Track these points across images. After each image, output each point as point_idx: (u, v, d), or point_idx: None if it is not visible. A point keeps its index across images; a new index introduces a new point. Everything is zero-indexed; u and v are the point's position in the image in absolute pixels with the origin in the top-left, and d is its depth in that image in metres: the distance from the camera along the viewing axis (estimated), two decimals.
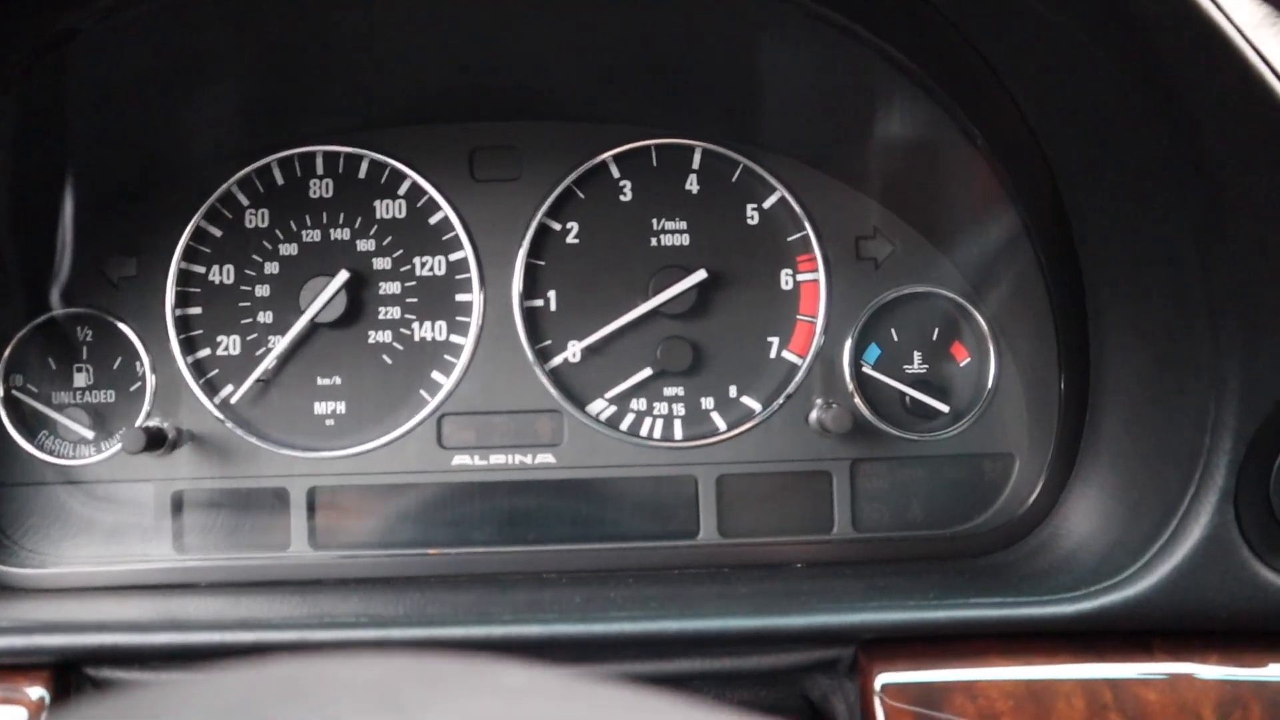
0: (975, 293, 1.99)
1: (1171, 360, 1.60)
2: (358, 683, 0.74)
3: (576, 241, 1.99)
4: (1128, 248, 1.64)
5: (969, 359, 2.01)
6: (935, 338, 2.01)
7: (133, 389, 1.99)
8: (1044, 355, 1.89)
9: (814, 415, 1.96)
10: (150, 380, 1.97)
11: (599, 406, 1.99)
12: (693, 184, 2.00)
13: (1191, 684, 1.59)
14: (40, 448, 1.97)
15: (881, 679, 1.60)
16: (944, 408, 1.99)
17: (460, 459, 1.98)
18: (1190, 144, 1.33)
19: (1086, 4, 1.06)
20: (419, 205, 2.00)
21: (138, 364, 1.98)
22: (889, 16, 1.50)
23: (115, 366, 1.99)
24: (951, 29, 1.45)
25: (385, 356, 1.99)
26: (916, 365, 2.01)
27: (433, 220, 1.99)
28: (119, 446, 1.94)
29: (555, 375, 1.99)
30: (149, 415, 1.97)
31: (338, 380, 1.99)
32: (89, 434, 1.97)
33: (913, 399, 1.99)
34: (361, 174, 2.00)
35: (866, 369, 2.00)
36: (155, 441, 1.89)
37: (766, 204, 2.00)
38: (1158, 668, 1.61)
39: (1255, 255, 1.40)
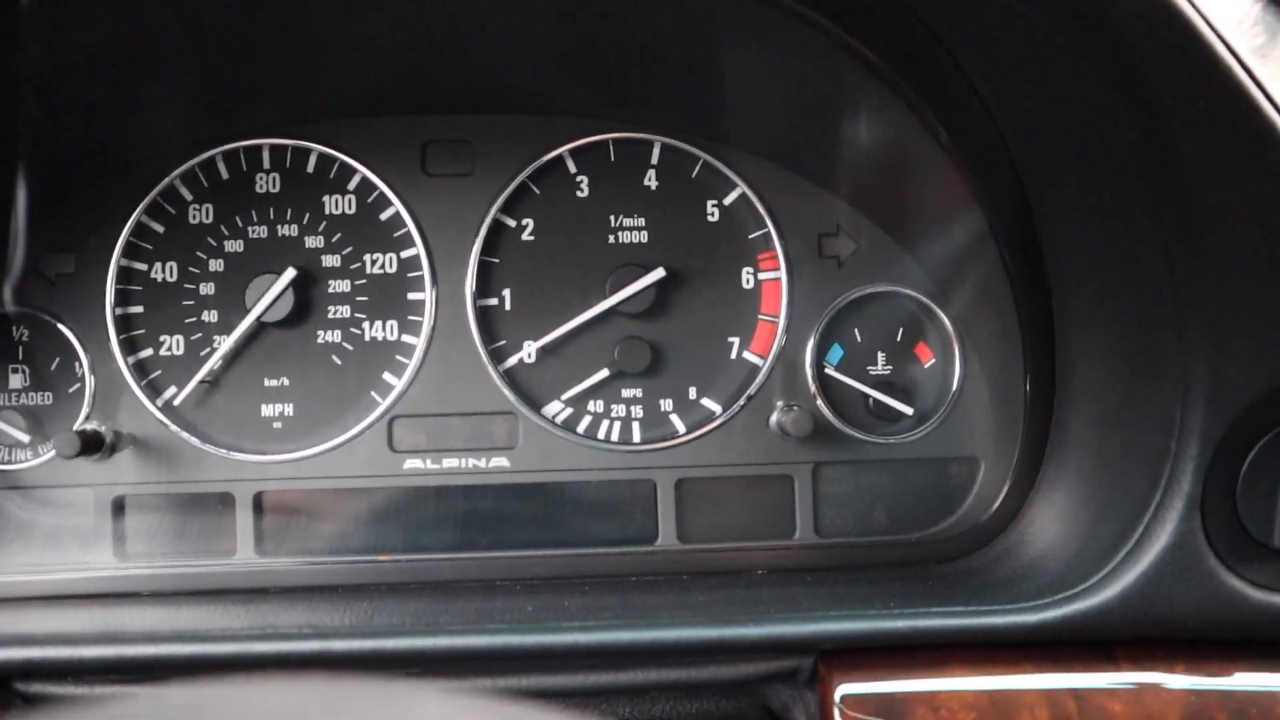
0: (940, 293, 1.95)
1: (1138, 364, 1.57)
2: (263, 711, 0.70)
3: (532, 239, 1.94)
4: (1094, 250, 1.60)
5: (934, 360, 1.97)
6: (899, 338, 1.97)
7: (71, 390, 1.92)
8: (1009, 357, 1.86)
9: (774, 418, 1.92)
10: (89, 381, 1.91)
11: (555, 408, 1.94)
12: (651, 180, 1.95)
13: (1157, 694, 1.56)
14: None
15: (841, 690, 1.56)
16: (908, 410, 1.95)
17: (412, 463, 1.92)
18: (1162, 147, 1.29)
19: (1062, 5, 1.02)
20: (369, 201, 1.94)
21: (76, 364, 1.92)
22: (857, 11, 1.45)
23: (53, 367, 1.92)
24: (920, 25, 1.41)
25: (335, 357, 1.93)
26: (880, 366, 1.97)
27: (383, 216, 1.93)
28: (54, 450, 1.86)
29: (510, 376, 1.94)
30: (88, 418, 1.90)
31: (285, 381, 1.93)
32: (24, 437, 1.91)
33: (876, 401, 1.95)
34: (310, 168, 1.94)
35: (829, 370, 1.95)
36: (91, 445, 1.82)
37: (727, 200, 1.95)
38: (1123, 677, 1.58)
39: (1223, 260, 1.37)
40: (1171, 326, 1.45)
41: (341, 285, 1.93)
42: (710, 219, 1.95)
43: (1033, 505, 1.83)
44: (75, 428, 1.86)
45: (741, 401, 1.94)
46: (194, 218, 1.93)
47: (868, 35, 1.48)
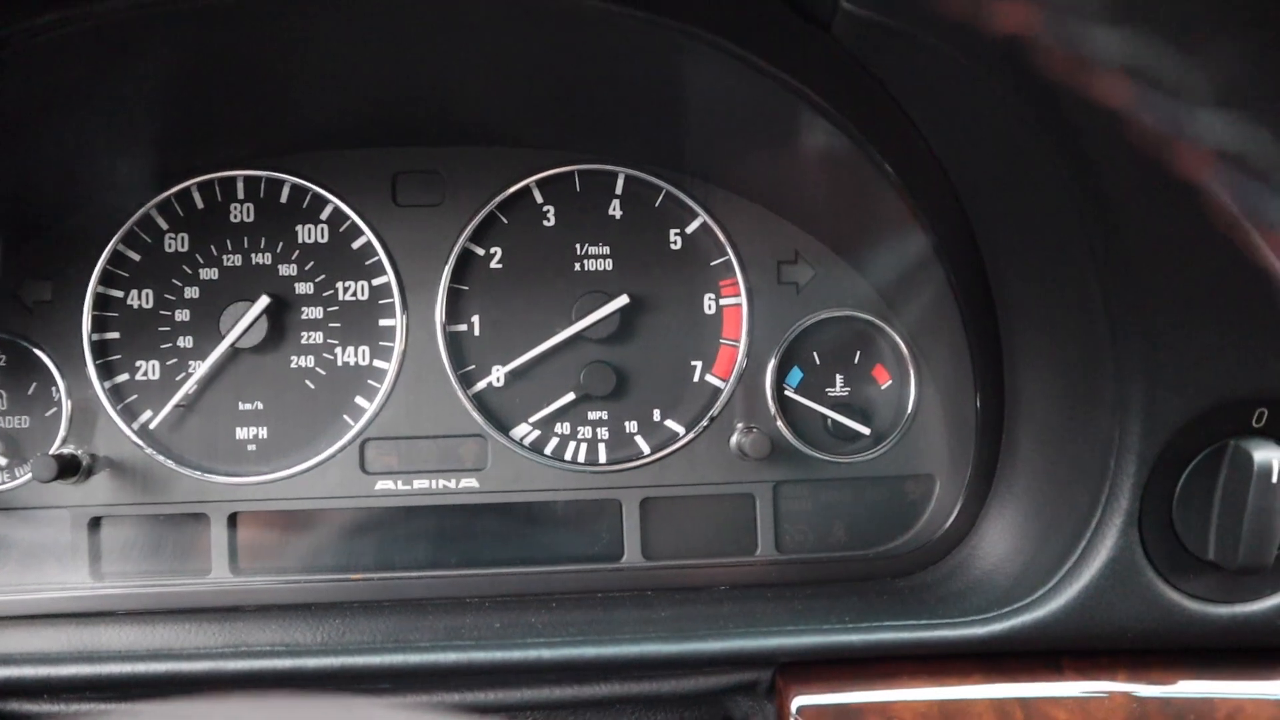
0: (894, 317, 2.01)
1: (1078, 387, 1.64)
2: None
3: (500, 266, 2.00)
4: (1034, 279, 1.67)
5: (890, 382, 2.03)
6: (856, 361, 2.03)
7: (48, 414, 1.96)
8: (961, 379, 1.92)
9: (734, 440, 1.98)
10: (66, 405, 1.95)
11: (523, 431, 1.99)
12: (616, 209, 2.01)
13: (1100, 703, 1.63)
14: None
15: (797, 701, 1.62)
16: (865, 430, 2.01)
17: (383, 484, 1.97)
18: (1089, 179, 1.36)
19: (979, 43, 1.09)
20: (341, 230, 1.99)
21: (53, 389, 1.95)
22: (789, 48, 1.52)
23: (30, 392, 1.96)
24: (852, 61, 1.47)
25: (308, 381, 1.98)
26: (838, 388, 2.03)
27: (355, 245, 1.99)
28: (31, 473, 1.90)
29: (479, 400, 1.99)
30: (64, 441, 1.94)
31: (259, 405, 1.98)
32: (1, 460, 1.94)
33: (835, 421, 2.01)
34: (283, 198, 1.98)
35: (789, 392, 2.01)
36: (68, 469, 1.86)
37: (689, 229, 2.01)
38: (1068, 686, 1.64)
39: (1154, 287, 1.43)
40: (1108, 352, 1.52)
41: (314, 312, 1.98)
42: (673, 247, 2.01)
43: (984, 521, 1.90)
44: (52, 451, 1.90)
45: (704, 423, 2.00)
46: (170, 246, 1.97)
47: (803, 72, 1.55)
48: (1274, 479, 1.50)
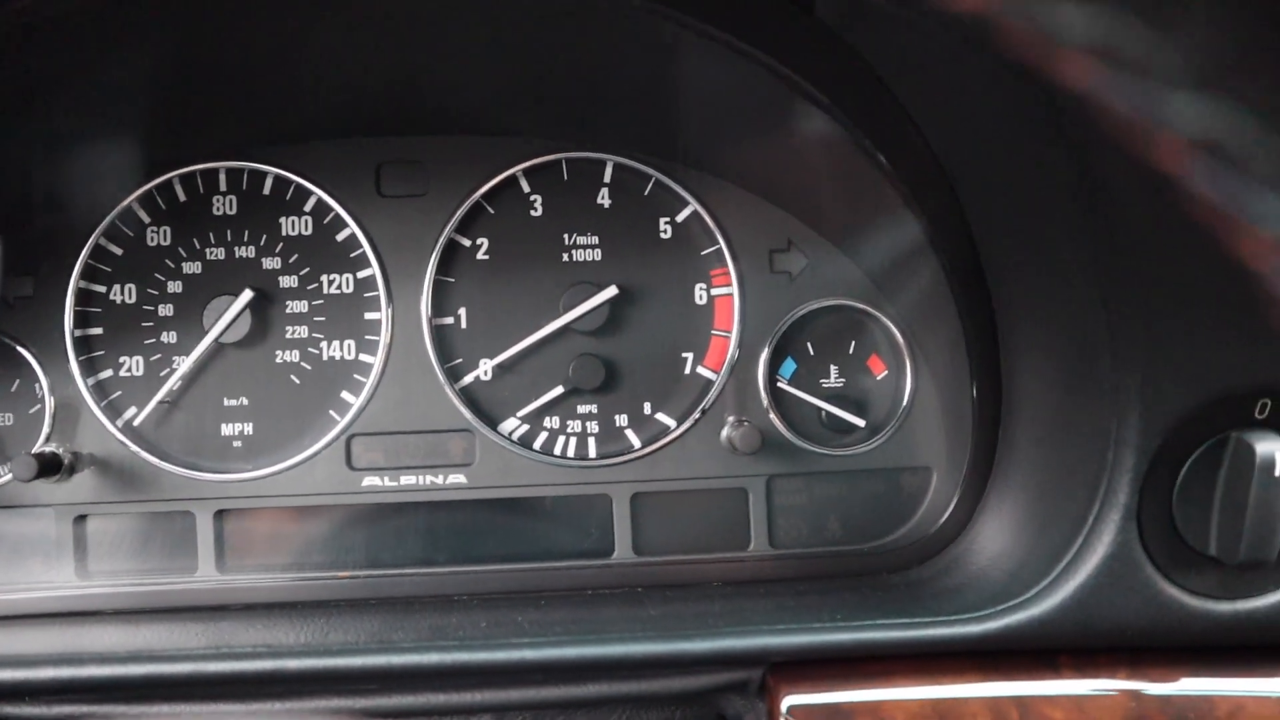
0: (890, 306, 1.97)
1: (1075, 379, 1.60)
2: None
3: (487, 258, 1.96)
4: (1030, 264, 1.63)
5: (885, 373, 2.00)
6: (851, 351, 2.00)
7: (31, 411, 1.94)
8: (958, 370, 1.88)
9: (724, 433, 1.94)
10: (49, 402, 1.92)
11: (511, 425, 1.96)
12: (604, 198, 1.97)
13: (1098, 701, 1.59)
14: None
15: (788, 700, 1.59)
16: (860, 422, 1.97)
17: (370, 480, 1.94)
18: (1085, 169, 1.32)
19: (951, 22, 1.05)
20: (325, 222, 1.95)
21: (36, 386, 1.93)
22: (773, 30, 1.48)
23: (13, 389, 1.94)
24: (838, 44, 1.43)
25: (293, 376, 1.95)
26: (833, 379, 2.00)
27: (339, 237, 1.95)
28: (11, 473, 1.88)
29: (466, 394, 1.96)
30: (47, 439, 1.92)
31: (245, 401, 1.95)
32: None
33: (829, 414, 1.97)
34: (266, 190, 1.95)
35: (782, 384, 1.98)
36: (50, 468, 1.84)
37: (679, 218, 1.97)
38: (1064, 685, 1.61)
39: (1150, 282, 1.40)
40: (1104, 344, 1.48)
41: (299, 306, 1.95)
42: (663, 236, 1.98)
43: (981, 515, 1.86)
44: (34, 450, 1.87)
45: (696, 415, 1.96)
46: (152, 240, 1.95)
47: (799, 64, 1.51)
48: (1277, 472, 1.46)
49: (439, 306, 1.95)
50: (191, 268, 1.95)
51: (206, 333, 1.90)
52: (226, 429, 1.95)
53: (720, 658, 1.62)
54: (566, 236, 1.96)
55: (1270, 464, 1.46)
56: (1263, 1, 0.46)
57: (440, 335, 1.95)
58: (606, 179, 1.97)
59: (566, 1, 1.54)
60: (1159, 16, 0.47)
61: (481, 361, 1.96)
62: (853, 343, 2.00)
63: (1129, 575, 1.55)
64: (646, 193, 1.97)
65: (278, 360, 1.95)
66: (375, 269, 1.94)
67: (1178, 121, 0.48)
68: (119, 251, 1.94)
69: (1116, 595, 1.55)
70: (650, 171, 1.96)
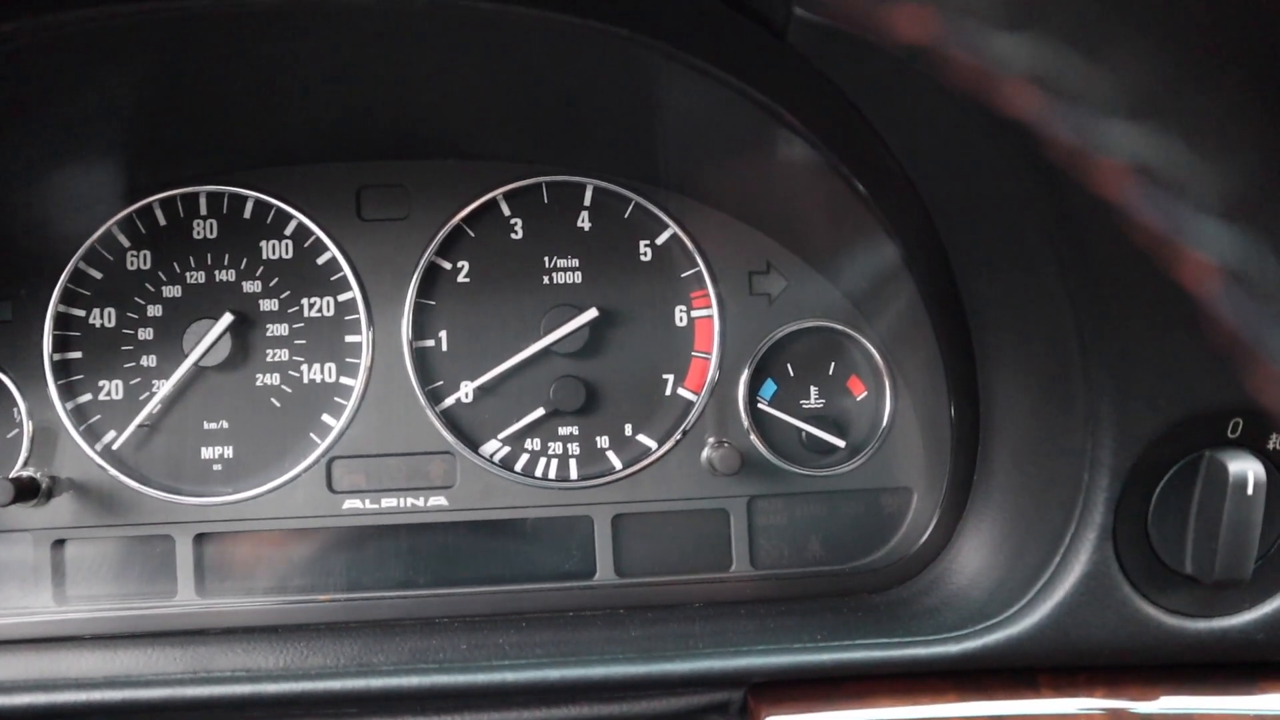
0: (868, 328, 1.99)
1: (1050, 400, 1.61)
2: None
3: (467, 280, 1.97)
4: (1004, 286, 1.65)
5: (865, 393, 2.01)
6: (831, 372, 2.01)
7: (9, 436, 1.93)
8: (936, 390, 1.89)
9: (704, 454, 1.95)
10: (27, 427, 1.92)
11: (492, 447, 1.96)
12: (585, 221, 1.98)
13: None
14: None
15: None
16: (840, 443, 1.98)
17: (351, 503, 1.94)
18: (1055, 195, 1.33)
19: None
20: (306, 245, 1.96)
21: (14, 410, 1.92)
22: (746, 57, 1.49)
23: None
24: (812, 71, 1.45)
25: (274, 399, 1.95)
26: (813, 400, 2.00)
27: (320, 261, 1.96)
28: None
29: (447, 416, 1.96)
30: (25, 463, 1.91)
31: (225, 424, 1.95)
32: None
33: (809, 434, 1.98)
34: (246, 214, 1.96)
35: (762, 405, 1.99)
36: (26, 492, 1.83)
37: (659, 240, 1.99)
38: (1045, 704, 1.61)
39: (1122, 306, 1.42)
40: (1078, 366, 1.49)
41: (279, 329, 1.95)
42: (643, 259, 1.99)
43: (960, 535, 1.87)
44: (10, 475, 1.87)
45: (677, 436, 1.97)
46: (132, 264, 1.95)
47: (773, 90, 1.52)
48: (1249, 490, 1.47)
49: (420, 329, 1.96)
50: (171, 291, 1.95)
51: (186, 356, 1.90)
52: (206, 452, 1.95)
53: (702, 679, 1.62)
54: (547, 259, 1.97)
55: (1243, 482, 1.47)
56: (1189, 31, 0.48)
57: (421, 358, 1.96)
58: (586, 202, 1.98)
59: (547, 29, 1.55)
60: (1091, 46, 0.48)
61: (462, 384, 1.96)
62: (832, 364, 2.01)
63: (1106, 594, 1.56)
64: (626, 215, 1.99)
65: (258, 383, 1.95)
66: (356, 292, 1.95)
67: (1114, 148, 0.49)
68: (99, 275, 1.94)
69: (1094, 614, 1.56)
70: (630, 195, 1.98)
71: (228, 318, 1.91)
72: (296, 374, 1.95)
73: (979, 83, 0.50)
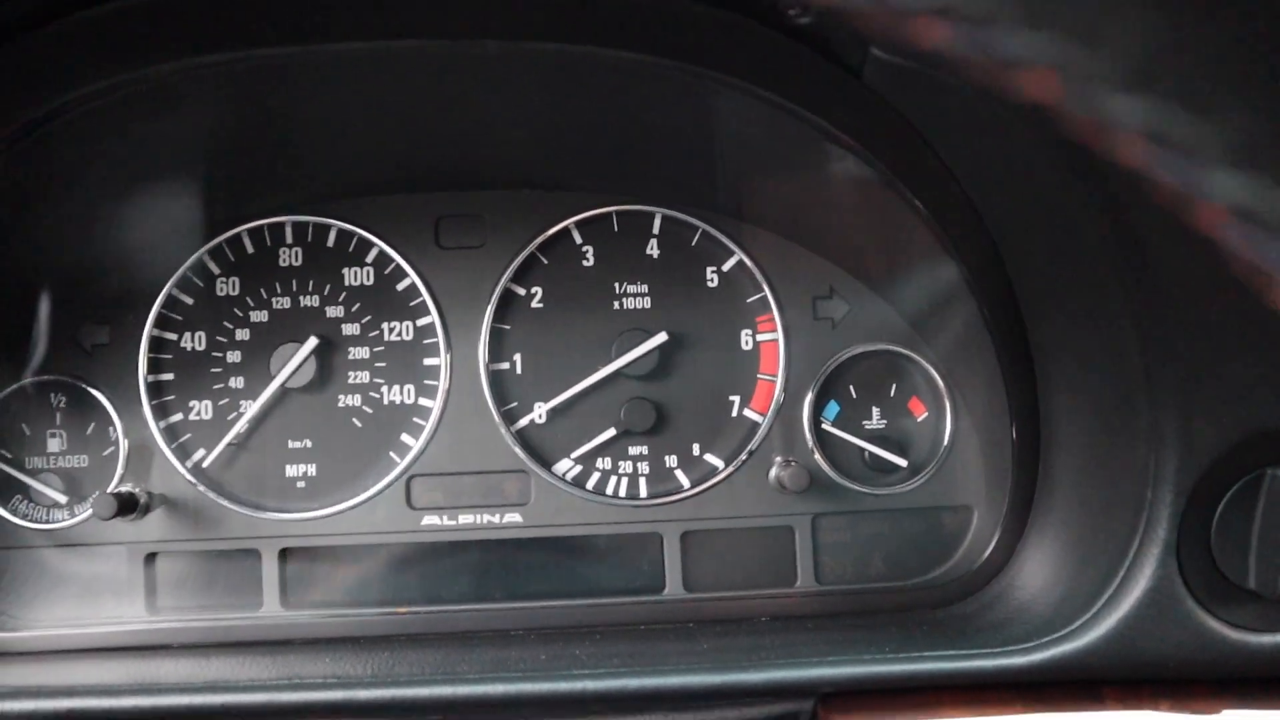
0: (929, 350, 2.04)
1: (1114, 418, 1.65)
2: None
3: (541, 306, 2.04)
4: (1067, 308, 1.69)
5: (926, 414, 2.06)
6: (893, 394, 2.06)
7: (105, 454, 2.02)
8: (997, 410, 1.94)
9: (773, 473, 2.01)
10: (123, 445, 2.01)
11: (565, 466, 2.03)
12: (653, 248, 2.06)
13: None
14: (13, 512, 2.00)
15: None
16: (902, 462, 2.03)
17: (429, 519, 2.01)
18: (1120, 218, 1.38)
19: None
20: (386, 272, 2.04)
21: (111, 429, 2.02)
22: (821, 93, 1.56)
23: (88, 432, 2.02)
24: (883, 104, 1.51)
25: (355, 420, 2.03)
26: (875, 421, 2.06)
27: (400, 287, 2.04)
28: (91, 511, 1.96)
29: (522, 436, 2.03)
30: (122, 480, 2.00)
31: (308, 443, 2.03)
32: (62, 498, 2.00)
33: (872, 454, 2.03)
34: (330, 242, 2.04)
35: (826, 425, 2.04)
36: (127, 507, 1.92)
37: (725, 267, 2.05)
38: (1109, 716, 1.65)
39: (1187, 319, 1.45)
40: (1142, 383, 1.54)
41: (361, 352, 2.03)
42: (710, 285, 2.05)
43: (1022, 552, 1.91)
44: (110, 489, 1.95)
45: (743, 456, 2.03)
46: (221, 290, 2.04)
47: (845, 123, 1.59)
48: None
49: (495, 353, 2.03)
50: (259, 316, 2.04)
51: (273, 378, 1.99)
52: (291, 470, 2.03)
53: (773, 689, 1.67)
54: (617, 285, 2.05)
55: None
56: None
57: (496, 380, 2.03)
58: (655, 230, 2.06)
59: (618, 66, 1.62)
60: (1204, 101, 0.53)
61: (536, 405, 2.03)
62: (894, 385, 2.06)
63: (1170, 609, 1.59)
64: (694, 243, 2.06)
65: (340, 404, 2.03)
66: (434, 317, 2.03)
67: (1218, 193, 0.54)
68: (190, 301, 2.04)
69: (1158, 628, 1.59)
70: (697, 223, 2.05)
71: (313, 341, 1.99)
72: (377, 395, 2.03)
73: (1093, 136, 0.56)
